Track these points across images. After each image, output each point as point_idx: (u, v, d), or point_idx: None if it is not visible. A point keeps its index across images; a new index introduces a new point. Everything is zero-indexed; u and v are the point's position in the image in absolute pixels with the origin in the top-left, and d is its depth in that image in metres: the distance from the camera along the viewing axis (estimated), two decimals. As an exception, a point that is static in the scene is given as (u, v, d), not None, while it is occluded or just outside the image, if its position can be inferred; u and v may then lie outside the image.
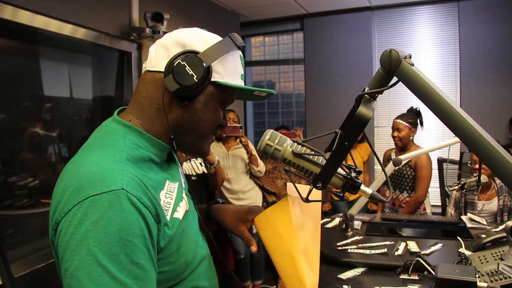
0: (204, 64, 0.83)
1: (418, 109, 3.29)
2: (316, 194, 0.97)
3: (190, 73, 0.82)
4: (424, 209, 3.17)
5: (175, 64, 0.82)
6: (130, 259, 0.70)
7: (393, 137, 3.22)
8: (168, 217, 0.82)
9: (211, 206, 1.19)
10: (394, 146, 3.36)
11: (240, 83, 0.92)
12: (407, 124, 3.14)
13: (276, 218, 1.01)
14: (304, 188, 0.95)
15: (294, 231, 0.98)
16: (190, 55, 0.83)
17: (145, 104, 0.87)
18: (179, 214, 0.87)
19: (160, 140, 0.88)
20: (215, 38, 0.89)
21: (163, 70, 0.84)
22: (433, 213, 3.34)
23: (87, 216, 0.69)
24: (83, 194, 0.71)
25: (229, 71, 0.89)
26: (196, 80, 0.83)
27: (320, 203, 1.10)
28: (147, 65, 0.88)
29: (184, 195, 0.96)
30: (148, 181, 0.79)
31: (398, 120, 3.18)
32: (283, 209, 0.99)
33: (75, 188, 0.72)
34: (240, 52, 0.93)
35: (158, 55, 0.87)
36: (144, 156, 0.84)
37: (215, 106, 0.90)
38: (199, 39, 0.87)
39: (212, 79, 0.86)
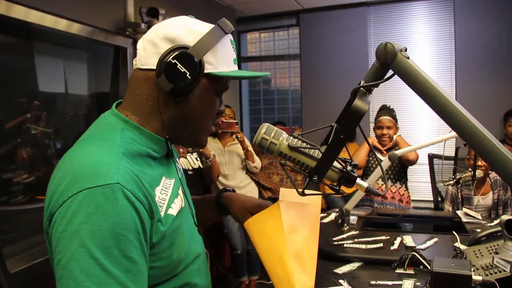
0: (195, 59, 0.81)
1: (390, 106, 3.08)
2: (314, 197, 0.98)
3: (183, 70, 0.80)
4: (408, 202, 3.02)
5: (166, 62, 0.80)
6: (123, 253, 0.70)
7: (382, 135, 2.97)
8: (162, 213, 0.82)
9: (222, 193, 1.19)
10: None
11: (233, 68, 0.90)
12: (394, 121, 2.97)
13: (266, 222, 1.03)
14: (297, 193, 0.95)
15: (284, 235, 0.99)
16: (180, 52, 0.81)
17: (140, 101, 0.86)
18: (173, 211, 0.86)
19: (158, 136, 0.87)
20: (203, 27, 0.86)
21: (154, 67, 0.82)
22: (427, 208, 3.33)
23: (81, 209, 0.69)
24: (78, 186, 0.70)
25: (221, 59, 0.86)
26: (190, 77, 0.81)
27: (319, 206, 1.10)
28: (137, 63, 0.86)
29: (180, 191, 0.95)
30: (144, 176, 0.79)
31: (388, 118, 2.96)
32: (274, 214, 1.01)
33: (70, 180, 0.72)
34: (230, 36, 0.90)
35: (146, 52, 0.84)
36: (141, 151, 0.83)
37: (211, 97, 0.89)
38: (187, 30, 0.84)
39: (205, 71, 0.84)
